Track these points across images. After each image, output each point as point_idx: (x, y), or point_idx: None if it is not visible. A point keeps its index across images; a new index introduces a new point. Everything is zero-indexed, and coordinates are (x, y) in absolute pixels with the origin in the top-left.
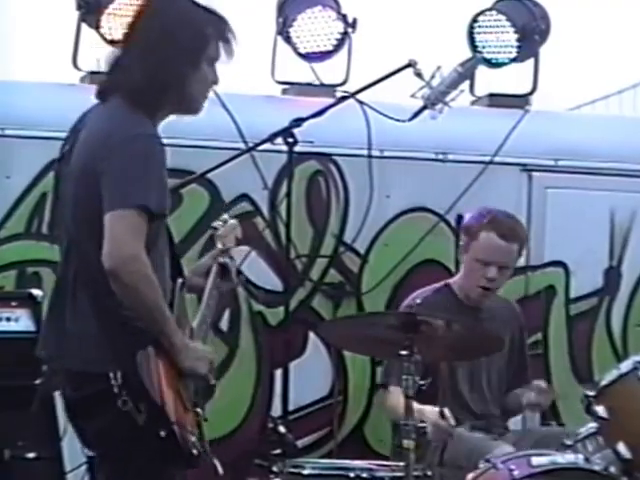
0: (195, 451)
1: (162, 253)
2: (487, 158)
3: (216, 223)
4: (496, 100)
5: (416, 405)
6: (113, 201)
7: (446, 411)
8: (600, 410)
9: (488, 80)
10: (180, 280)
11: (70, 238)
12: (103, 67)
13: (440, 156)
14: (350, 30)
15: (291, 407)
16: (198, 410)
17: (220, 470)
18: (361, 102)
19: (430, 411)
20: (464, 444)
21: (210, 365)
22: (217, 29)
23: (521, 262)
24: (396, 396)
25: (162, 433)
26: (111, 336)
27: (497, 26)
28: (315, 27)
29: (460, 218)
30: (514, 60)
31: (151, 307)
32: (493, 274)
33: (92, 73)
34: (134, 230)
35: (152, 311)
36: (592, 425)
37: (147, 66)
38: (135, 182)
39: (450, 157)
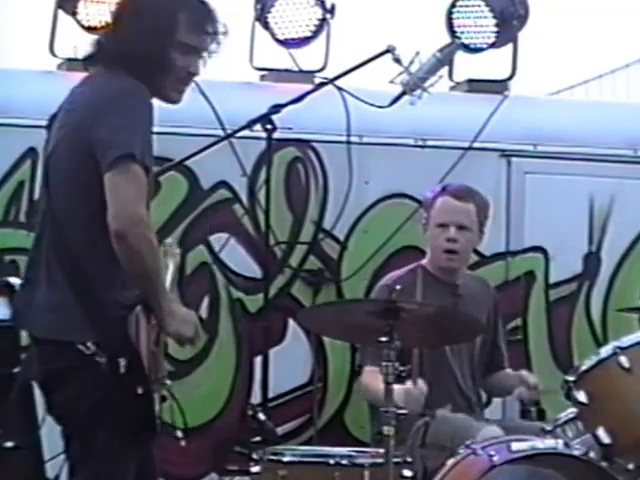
0: (158, 421)
1: None
2: (466, 144)
3: (167, 241)
4: (475, 86)
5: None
6: (111, 154)
7: (420, 381)
8: (580, 395)
9: (467, 66)
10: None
11: (46, 211)
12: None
13: (419, 142)
14: (328, 16)
15: (271, 394)
16: (167, 382)
17: (180, 434)
18: (340, 88)
19: (403, 386)
20: (447, 425)
21: (195, 328)
22: (194, 15)
23: (500, 248)
24: (371, 375)
25: (139, 390)
26: (86, 306)
27: (475, 11)
28: (293, 13)
29: None
30: (493, 46)
31: (150, 271)
32: (452, 234)
33: (69, 60)
34: (137, 187)
35: (151, 274)
36: (572, 410)
37: (120, 37)
38: (129, 133)
39: (429, 143)
